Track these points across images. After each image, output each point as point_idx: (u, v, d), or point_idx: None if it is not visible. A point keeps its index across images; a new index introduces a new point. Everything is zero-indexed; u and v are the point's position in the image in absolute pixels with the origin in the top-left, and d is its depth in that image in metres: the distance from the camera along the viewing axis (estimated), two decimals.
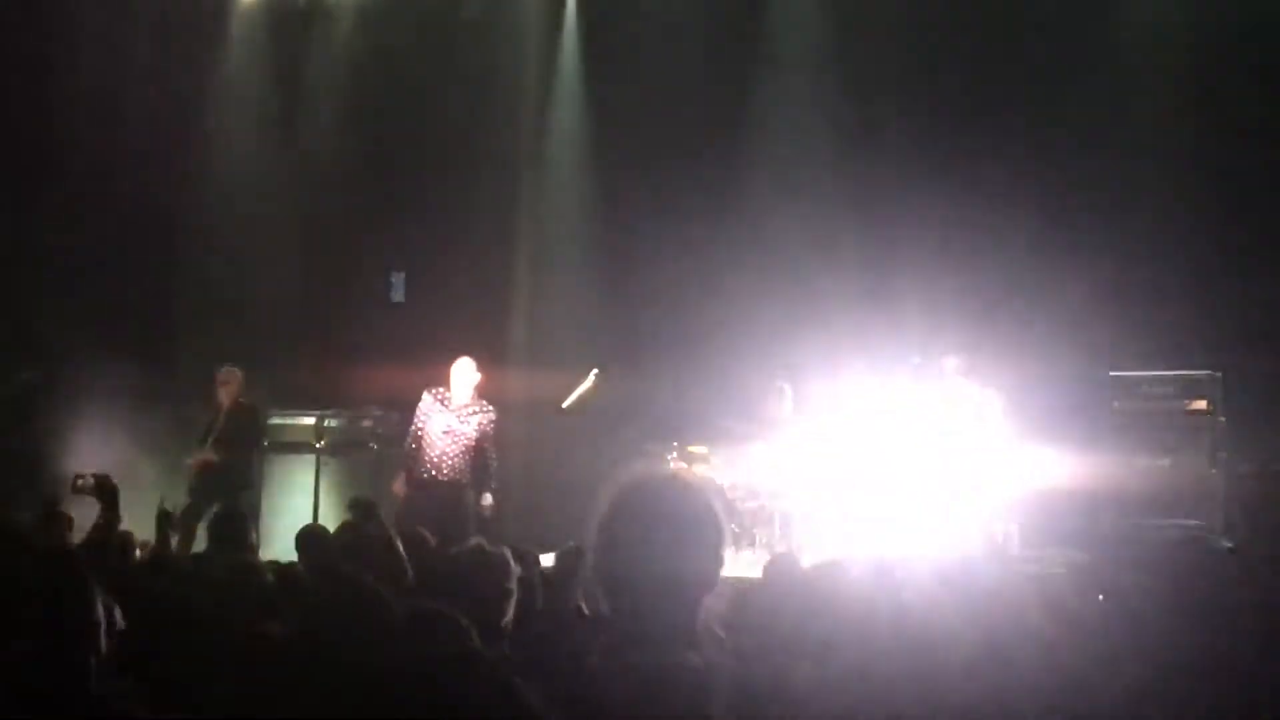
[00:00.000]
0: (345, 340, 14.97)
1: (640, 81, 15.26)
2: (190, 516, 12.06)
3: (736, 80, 15.05)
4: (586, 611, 4.88)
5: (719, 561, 2.97)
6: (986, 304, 13.39)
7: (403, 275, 15.22)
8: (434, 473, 11.72)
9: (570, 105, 15.80)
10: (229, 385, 12.65)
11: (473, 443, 11.80)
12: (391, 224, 15.43)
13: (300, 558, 7.28)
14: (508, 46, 15.72)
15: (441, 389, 11.93)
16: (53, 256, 14.06)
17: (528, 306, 15.76)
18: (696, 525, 2.93)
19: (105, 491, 7.16)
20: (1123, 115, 13.62)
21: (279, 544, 11.80)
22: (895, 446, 11.76)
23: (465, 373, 11.91)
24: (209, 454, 12.37)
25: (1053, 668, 3.93)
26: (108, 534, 6.95)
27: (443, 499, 11.53)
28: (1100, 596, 4.87)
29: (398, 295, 15.09)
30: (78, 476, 7.60)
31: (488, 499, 11.80)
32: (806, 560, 8.88)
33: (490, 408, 11.94)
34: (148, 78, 14.76)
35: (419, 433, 11.82)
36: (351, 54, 15.73)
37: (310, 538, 7.52)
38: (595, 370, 13.32)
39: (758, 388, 13.08)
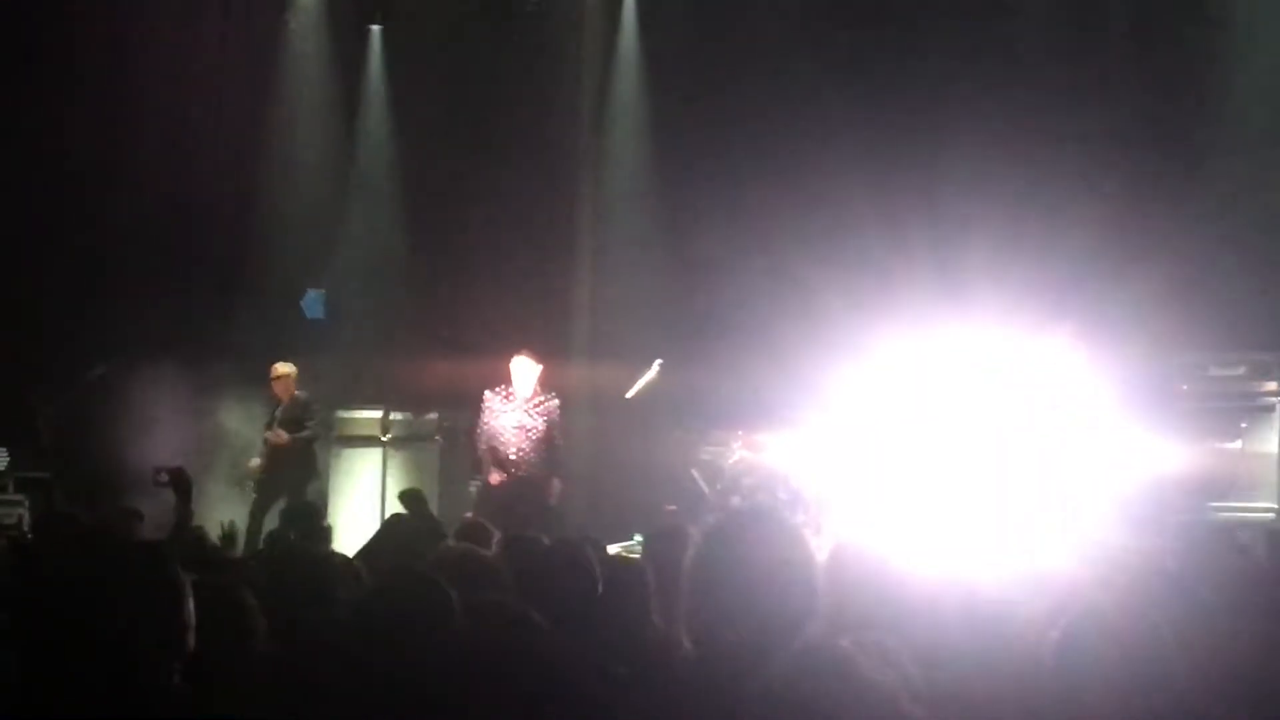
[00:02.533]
0: (410, 334, 15.01)
1: (701, 65, 15.22)
2: (258, 510, 12.19)
3: (801, 60, 14.97)
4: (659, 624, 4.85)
5: (812, 597, 2.94)
6: (1057, 289, 13.28)
7: (322, 292, 14.93)
8: (511, 468, 11.85)
9: (631, 92, 15.77)
10: (284, 379, 12.78)
11: (543, 434, 11.95)
12: (451, 214, 15.43)
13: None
14: (567, 34, 15.71)
15: (504, 386, 12.03)
16: (121, 252, 14.19)
17: (590, 296, 15.75)
18: (787, 563, 2.91)
19: (181, 486, 7.20)
20: (1193, 103, 13.49)
21: (345, 536, 11.90)
22: (967, 436, 11.64)
23: (526, 367, 12.02)
24: (279, 435, 12.50)
25: (1128, 665, 3.89)
26: (183, 529, 6.98)
27: (521, 493, 11.67)
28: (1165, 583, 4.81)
29: (314, 312, 14.81)
30: (157, 471, 7.68)
31: (556, 485, 11.93)
32: (873, 548, 8.84)
33: (554, 396, 12.05)
34: (214, 75, 14.85)
35: (490, 429, 11.94)
36: (413, 41, 15.75)
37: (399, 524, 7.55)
38: (659, 360, 13.32)
39: (819, 375, 13.02)
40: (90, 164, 14.30)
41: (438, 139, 15.53)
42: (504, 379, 12.13)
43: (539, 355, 12.26)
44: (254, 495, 12.52)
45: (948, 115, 14.10)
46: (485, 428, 12.05)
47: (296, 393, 12.89)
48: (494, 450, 11.94)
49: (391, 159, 15.79)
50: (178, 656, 3.25)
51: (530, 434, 11.98)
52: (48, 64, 14.09)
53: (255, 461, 12.76)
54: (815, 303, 13.90)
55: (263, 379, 13.18)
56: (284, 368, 12.88)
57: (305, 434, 12.78)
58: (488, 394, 12.13)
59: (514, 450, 11.93)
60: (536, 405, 12.03)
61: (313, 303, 14.53)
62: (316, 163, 15.54)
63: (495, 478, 11.95)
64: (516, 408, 12.02)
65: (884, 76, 14.59)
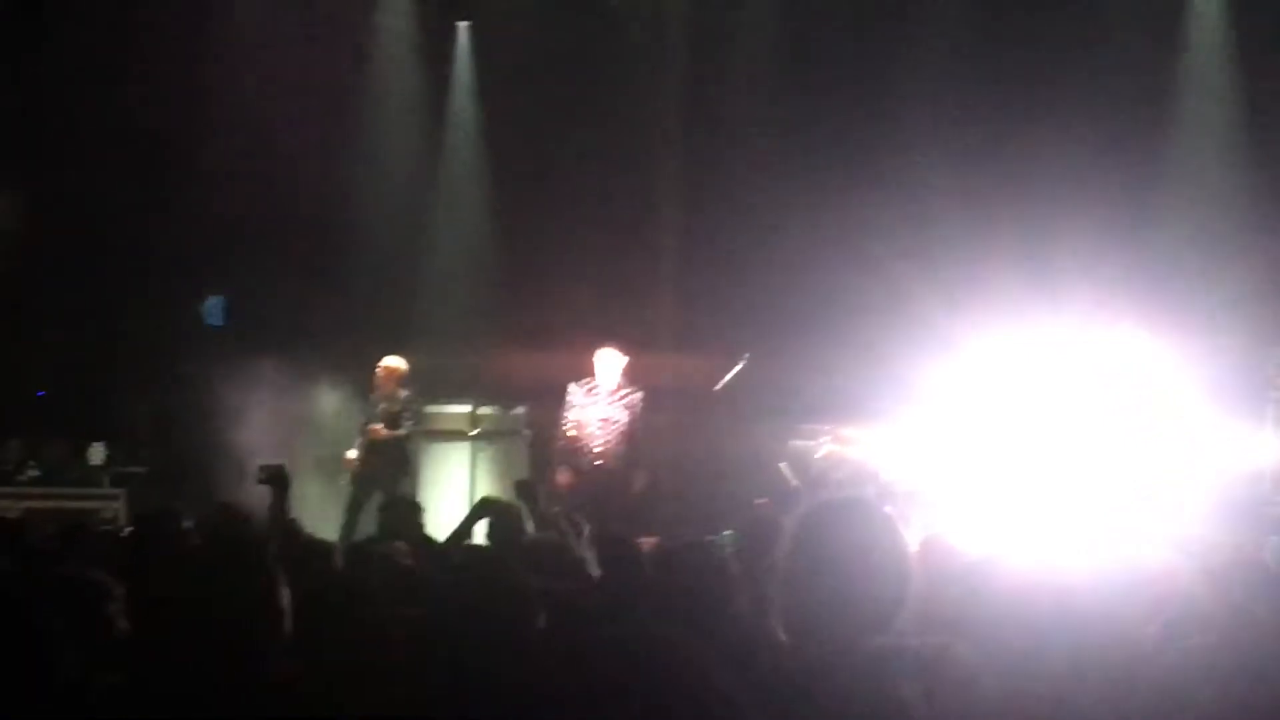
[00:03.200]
0: (498, 328, 15.06)
1: (786, 53, 15.16)
2: (354, 505, 12.28)
3: (886, 51, 14.89)
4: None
5: (906, 580, 2.92)
6: (1150, 282, 13.13)
7: (220, 299, 14.89)
8: (597, 461, 11.93)
9: (717, 84, 15.71)
10: (392, 373, 12.85)
11: (625, 427, 11.97)
12: (539, 208, 15.46)
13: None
14: (653, 28, 15.70)
15: (588, 380, 12.08)
16: (216, 246, 14.37)
17: (677, 290, 15.74)
18: (880, 551, 2.89)
19: (279, 483, 7.40)
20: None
21: (432, 530, 11.96)
22: (1058, 428, 11.50)
23: (611, 360, 12.06)
24: (378, 429, 12.58)
25: (1230, 658, 3.82)
26: (278, 523, 7.15)
27: (609, 486, 11.74)
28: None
29: (214, 319, 14.73)
30: (260, 468, 7.86)
31: (640, 478, 11.96)
32: (963, 542, 8.77)
33: (638, 389, 12.07)
34: (305, 72, 14.98)
35: (575, 424, 11.98)
36: (500, 37, 15.80)
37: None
38: (746, 354, 13.28)
39: (910, 369, 12.94)
40: (184, 160, 14.50)
41: (525, 133, 15.56)
42: (589, 372, 12.17)
43: (624, 348, 12.28)
44: (350, 490, 12.60)
45: (1039, 105, 13.97)
46: (568, 421, 12.09)
47: (401, 391, 12.94)
48: (569, 446, 11.99)
49: (479, 153, 15.85)
50: (275, 640, 3.38)
51: (614, 427, 12.02)
52: (150, 63, 14.29)
53: (351, 455, 12.83)
54: (903, 295, 13.81)
55: (352, 371, 13.26)
56: (394, 362, 12.94)
57: (402, 431, 12.83)
58: (571, 387, 12.18)
59: (598, 443, 11.99)
60: (621, 398, 12.07)
61: (213, 309, 14.47)
62: (405, 157, 15.63)
63: (564, 478, 11.97)
64: (600, 401, 12.06)
65: (977, 66, 14.47)
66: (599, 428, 12.00)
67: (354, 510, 12.39)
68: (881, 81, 14.83)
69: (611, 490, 11.69)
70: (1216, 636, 3.96)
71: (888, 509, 3.25)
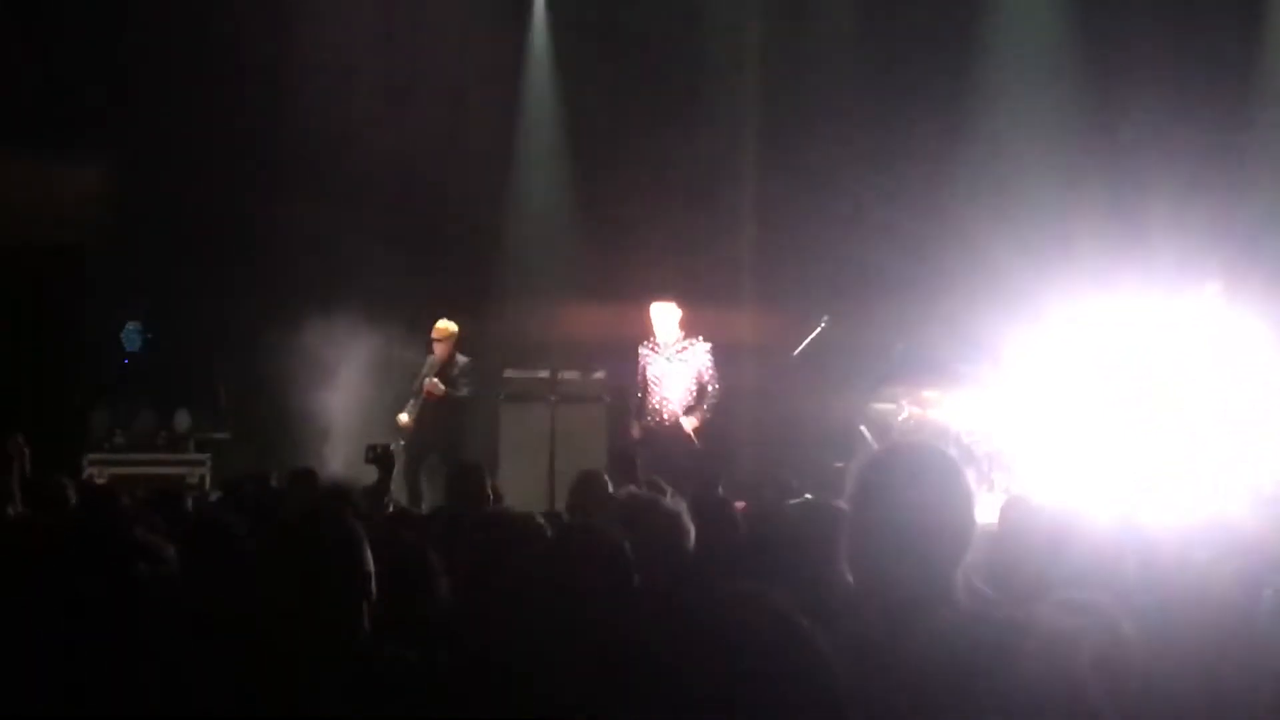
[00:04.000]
0: (576, 293, 15.07)
1: (865, 10, 15.06)
2: (410, 468, 12.34)
3: (968, 9, 14.76)
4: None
5: (971, 525, 2.92)
6: (1240, 240, 12.95)
7: (138, 324, 14.75)
8: (657, 419, 12.02)
9: (793, 43, 15.63)
10: (447, 338, 12.91)
11: (691, 381, 11.94)
12: (619, 172, 15.42)
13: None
14: None
15: (651, 338, 12.11)
16: (288, 214, 14.48)
17: (758, 253, 15.69)
18: (946, 492, 2.89)
19: (385, 462, 7.77)
20: None
21: (514, 496, 12.03)
22: (1142, 386, 11.37)
23: (663, 315, 12.07)
24: (435, 384, 12.64)
25: None
26: (380, 498, 7.45)
27: (670, 443, 11.74)
28: None
29: (132, 344, 14.65)
30: (369, 448, 8.14)
31: (690, 421, 11.86)
32: (1046, 504, 8.69)
33: (703, 342, 12.03)
34: (375, 39, 15.07)
35: (643, 382, 12.04)
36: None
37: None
38: (826, 316, 13.23)
39: (991, 331, 12.84)
40: (266, 118, 14.65)
41: (603, 96, 15.55)
42: (647, 329, 12.21)
43: (678, 299, 12.25)
44: (403, 453, 12.66)
45: (1125, 59, 13.80)
46: (640, 378, 12.18)
47: (459, 356, 13.00)
48: (636, 404, 12.07)
49: (557, 118, 15.85)
50: (366, 602, 3.49)
51: (676, 381, 12.01)
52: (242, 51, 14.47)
53: (404, 417, 12.90)
54: (985, 255, 13.70)
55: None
56: (447, 326, 13.00)
57: (462, 394, 12.88)
58: (641, 349, 12.24)
59: (658, 399, 12.01)
60: (679, 351, 12.06)
61: (130, 335, 14.47)
62: (485, 124, 15.66)
63: (634, 432, 12.08)
64: (660, 357, 12.10)
65: (1061, 19, 14.30)
66: (657, 383, 12.02)
67: (412, 474, 12.47)
68: (965, 38, 14.70)
69: (675, 448, 11.70)
70: None
71: (969, 470, 3.23)
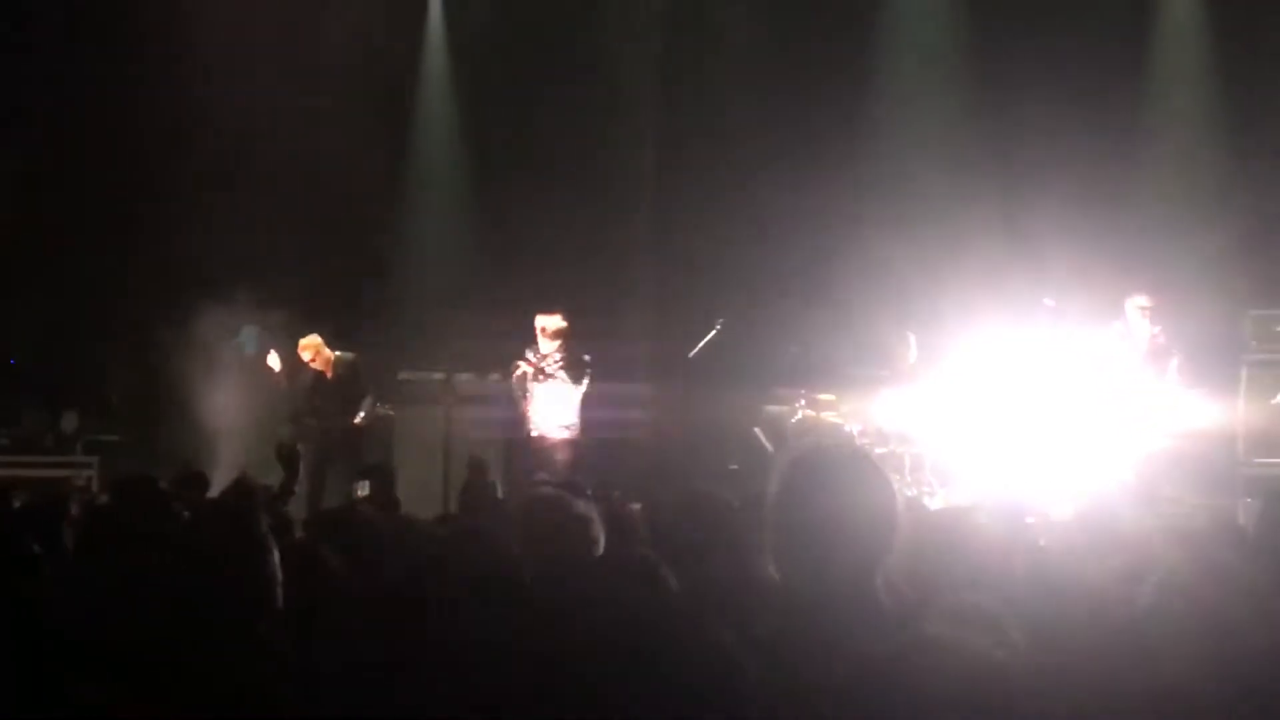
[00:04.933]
0: (473, 297, 15.02)
1: (766, 16, 15.15)
2: (316, 471, 12.24)
3: (866, 17, 14.90)
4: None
5: (894, 525, 2.95)
6: (1123, 244, 13.20)
7: (255, 328, 14.33)
8: (534, 428, 12.09)
9: (695, 57, 15.70)
10: (317, 350, 12.79)
11: (565, 393, 11.95)
12: (513, 176, 15.42)
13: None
14: None
15: (534, 348, 12.11)
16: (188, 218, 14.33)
17: (652, 257, 15.73)
18: (870, 492, 2.91)
19: (292, 460, 7.55)
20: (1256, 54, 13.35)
21: (409, 497, 11.96)
22: (1029, 390, 11.54)
23: (547, 324, 12.05)
24: (359, 419, 12.60)
25: (1197, 614, 3.84)
26: (287, 497, 7.28)
27: (543, 451, 11.89)
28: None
29: (249, 347, 14.62)
30: (279, 445, 7.96)
31: (568, 451, 11.95)
32: (937, 505, 8.82)
33: (580, 356, 12.03)
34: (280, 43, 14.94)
35: (522, 392, 12.06)
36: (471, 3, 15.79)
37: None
38: (720, 320, 13.29)
39: (884, 334, 12.98)
40: (162, 127, 14.47)
41: (498, 98, 15.52)
42: (531, 339, 12.21)
43: (562, 312, 12.25)
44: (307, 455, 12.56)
45: (1013, 68, 13.99)
46: (519, 388, 12.19)
47: (338, 356, 12.91)
48: (522, 413, 12.12)
49: (453, 123, 15.79)
50: (267, 610, 3.43)
51: (556, 391, 12.03)
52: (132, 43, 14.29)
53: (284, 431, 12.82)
54: (880, 262, 13.85)
55: (329, 340, 13.28)
56: (312, 340, 12.85)
57: (366, 412, 12.84)
58: (520, 361, 12.23)
59: (535, 409, 12.03)
60: (556, 363, 12.05)
61: (248, 338, 14.31)
62: (380, 127, 15.59)
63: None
64: (542, 366, 12.09)
65: (959, 37, 14.48)
66: (541, 393, 12.04)
67: (318, 476, 12.39)
68: (861, 46, 14.84)
69: (545, 457, 11.74)
70: (1189, 599, 3.99)
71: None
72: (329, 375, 12.82)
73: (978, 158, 13.90)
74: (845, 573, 2.83)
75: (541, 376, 12.04)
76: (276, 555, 3.46)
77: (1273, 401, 11.90)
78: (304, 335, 12.86)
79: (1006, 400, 11.77)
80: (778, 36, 15.06)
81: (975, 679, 2.70)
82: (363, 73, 15.46)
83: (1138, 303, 10.94)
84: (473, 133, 15.69)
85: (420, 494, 12.02)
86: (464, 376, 13.64)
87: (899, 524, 2.97)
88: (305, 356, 12.80)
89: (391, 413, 13.25)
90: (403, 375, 13.67)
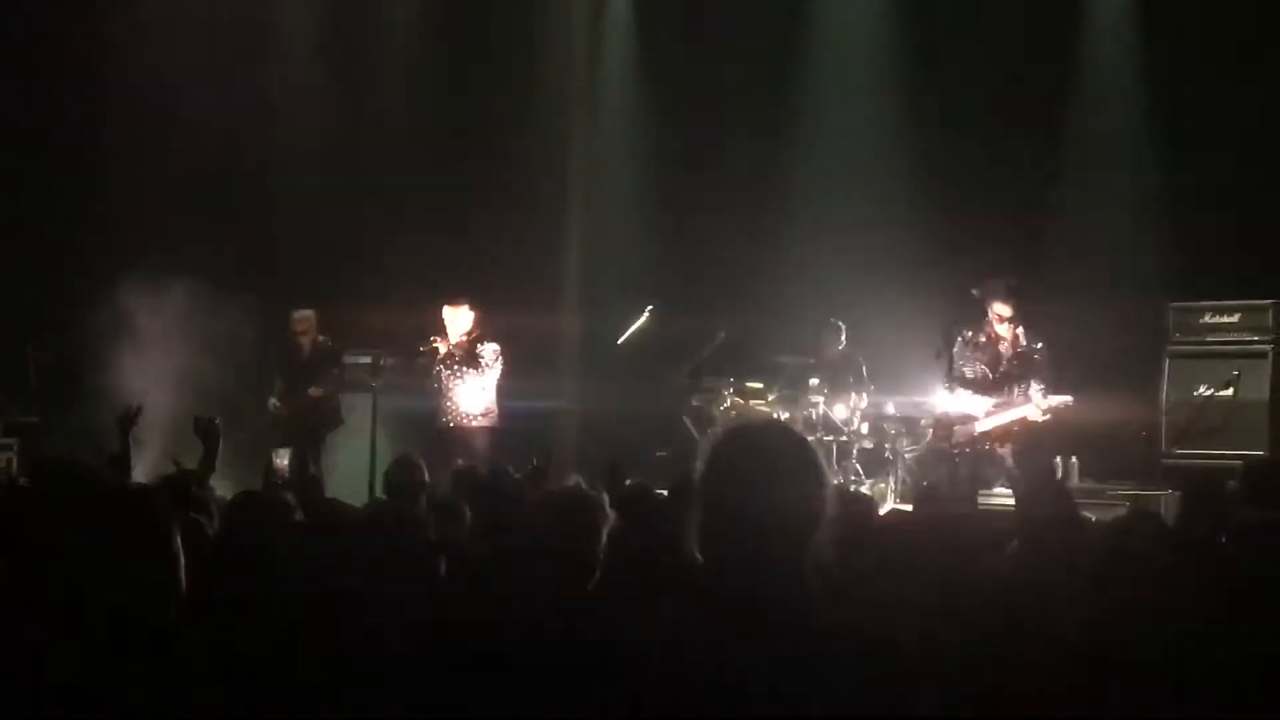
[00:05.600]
0: (402, 281, 14.94)
1: (695, 15, 15.16)
2: (299, 458, 12.16)
3: (795, 13, 14.94)
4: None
5: (822, 503, 2.92)
6: (1049, 237, 13.32)
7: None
8: (446, 417, 12.05)
9: (624, 40, 15.70)
10: (308, 327, 12.79)
11: (474, 382, 11.92)
12: (437, 163, 15.36)
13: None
14: None
15: (441, 338, 12.06)
16: (121, 194, 14.16)
17: (581, 242, 15.73)
18: (797, 469, 2.88)
19: (211, 435, 7.26)
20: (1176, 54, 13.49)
21: (339, 480, 11.90)
22: (951, 382, 11.59)
23: (454, 317, 12.02)
24: (315, 390, 12.56)
25: (1127, 612, 3.89)
26: (208, 473, 7.05)
27: (456, 439, 11.86)
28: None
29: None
30: (196, 419, 7.68)
31: (485, 438, 11.94)
32: (863, 494, 8.86)
33: (487, 345, 11.97)
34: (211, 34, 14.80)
35: (437, 381, 12.03)
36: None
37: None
38: (650, 307, 13.29)
39: (813, 323, 13.05)
40: (89, 102, 14.29)
41: (425, 89, 15.44)
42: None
43: (470, 302, 12.19)
44: (282, 441, 12.51)
45: (944, 65, 14.10)
46: (435, 380, 12.17)
47: (320, 339, 12.88)
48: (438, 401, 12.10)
49: (381, 110, 15.70)
50: (173, 596, 3.36)
51: (458, 380, 11.99)
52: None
53: (274, 402, 12.79)
54: (809, 251, 13.91)
55: (261, 323, 13.15)
56: (307, 316, 12.88)
57: (331, 388, 12.82)
58: (425, 349, 12.19)
59: (450, 400, 12.00)
60: (466, 353, 12.00)
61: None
62: (320, 112, 15.51)
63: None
64: (452, 356, 12.05)
65: (886, 35, 14.56)
66: (456, 386, 12.01)
67: (315, 461, 12.36)
68: (791, 38, 14.90)
69: (459, 444, 11.72)
70: (1113, 591, 4.03)
71: None
72: (309, 353, 12.80)
73: (907, 150, 13.97)
74: (769, 550, 2.80)
75: (452, 365, 11.99)
76: (178, 539, 3.39)
77: (1195, 393, 12.02)
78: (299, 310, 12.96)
79: (934, 388, 11.83)
80: (704, 31, 15.06)
81: (875, 662, 2.70)
82: (301, 52, 15.39)
83: (998, 311, 11.01)
84: (401, 116, 15.59)
85: (348, 477, 12.02)
86: (390, 361, 13.56)
87: (826, 500, 2.93)
88: (298, 329, 12.78)
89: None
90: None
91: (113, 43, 14.26)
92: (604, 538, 4.43)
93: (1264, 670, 3.82)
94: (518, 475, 7.54)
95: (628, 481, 7.46)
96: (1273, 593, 4.22)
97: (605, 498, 5.15)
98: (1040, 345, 11.01)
